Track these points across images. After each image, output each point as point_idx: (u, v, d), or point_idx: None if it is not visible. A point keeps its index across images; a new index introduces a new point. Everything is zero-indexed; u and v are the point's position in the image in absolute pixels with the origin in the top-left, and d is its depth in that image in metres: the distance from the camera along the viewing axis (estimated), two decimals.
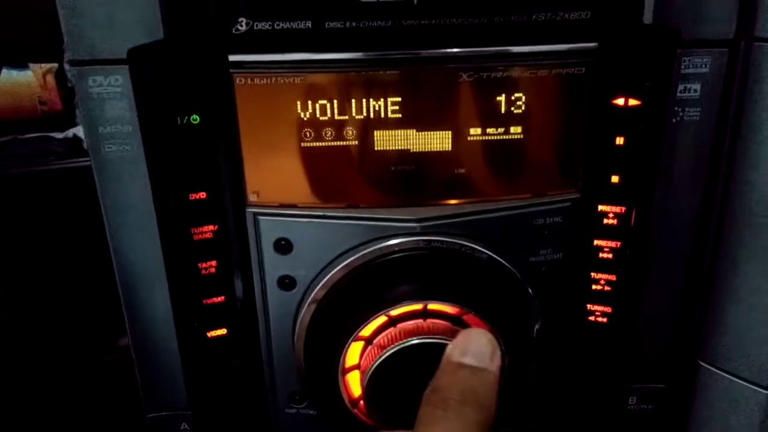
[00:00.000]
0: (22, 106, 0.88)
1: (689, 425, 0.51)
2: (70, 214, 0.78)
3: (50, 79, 0.99)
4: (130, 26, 0.33)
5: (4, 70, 0.90)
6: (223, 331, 0.40)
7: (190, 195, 0.37)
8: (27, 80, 0.89)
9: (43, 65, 0.99)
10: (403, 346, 0.33)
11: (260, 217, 0.36)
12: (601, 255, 0.41)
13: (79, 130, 1.00)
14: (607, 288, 0.42)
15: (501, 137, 0.36)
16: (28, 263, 0.78)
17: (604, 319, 0.43)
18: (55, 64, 1.01)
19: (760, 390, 0.46)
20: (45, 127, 0.90)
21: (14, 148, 0.91)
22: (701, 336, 0.47)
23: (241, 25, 0.33)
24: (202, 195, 0.37)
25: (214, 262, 0.39)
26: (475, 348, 0.29)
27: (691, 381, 0.49)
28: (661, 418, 0.48)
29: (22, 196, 0.81)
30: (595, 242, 0.41)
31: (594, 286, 0.42)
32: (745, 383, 0.47)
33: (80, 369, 0.85)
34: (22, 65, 0.87)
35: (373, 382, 0.34)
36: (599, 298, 0.42)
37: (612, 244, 0.41)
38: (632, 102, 0.38)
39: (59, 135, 0.97)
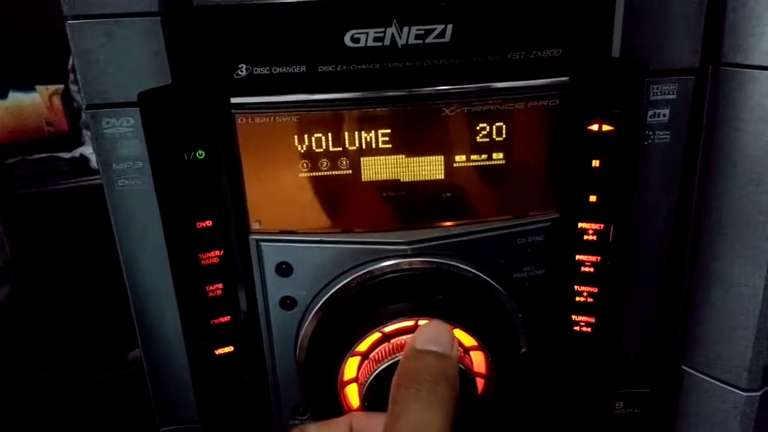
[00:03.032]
0: (29, 128, 0.90)
1: (676, 428, 0.53)
2: (79, 232, 0.80)
3: (56, 100, 1.01)
4: (140, 72, 0.36)
5: (11, 93, 0.93)
6: (230, 349, 0.43)
7: (197, 224, 0.40)
8: (34, 102, 0.91)
9: (49, 87, 1.01)
10: (396, 359, 0.36)
11: (262, 243, 0.39)
12: (583, 269, 0.44)
13: (86, 150, 1.03)
14: (590, 299, 0.45)
15: (483, 164, 0.39)
16: (39, 281, 0.81)
17: (589, 329, 0.45)
18: (61, 86, 1.03)
19: (739, 392, 0.49)
20: (52, 148, 0.94)
21: (23, 169, 0.94)
22: (684, 342, 0.50)
23: (242, 71, 0.36)
24: (209, 223, 0.40)
25: (220, 285, 0.42)
26: (438, 337, 0.32)
27: (675, 385, 0.51)
28: (648, 422, 0.51)
29: (32, 216, 0.83)
30: (577, 257, 0.44)
31: (578, 298, 0.45)
32: (724, 386, 0.50)
33: (92, 383, 0.88)
34: (28, 87, 0.90)
35: (369, 394, 0.37)
36: (583, 309, 0.45)
37: (593, 258, 0.44)
38: (606, 128, 0.40)
39: (67, 155, 1.01)
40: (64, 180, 0.91)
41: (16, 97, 0.89)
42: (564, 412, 0.48)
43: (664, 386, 0.50)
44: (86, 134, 1.07)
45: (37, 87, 0.92)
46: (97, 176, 0.77)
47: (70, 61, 0.86)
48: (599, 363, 0.46)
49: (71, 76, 1.03)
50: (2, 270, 0.76)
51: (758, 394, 0.48)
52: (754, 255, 0.45)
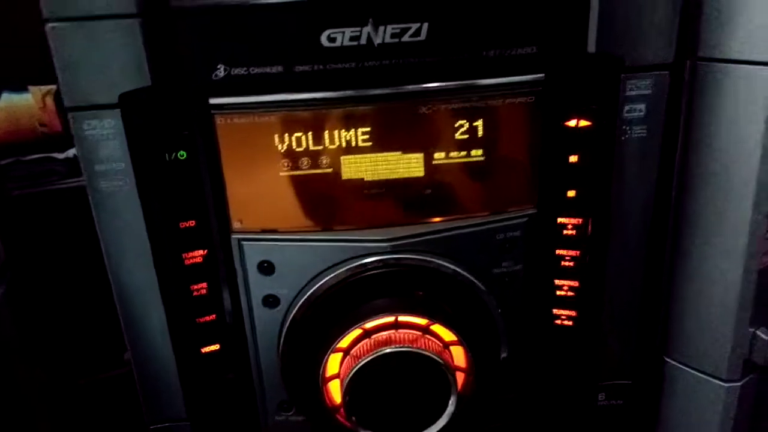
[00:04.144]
0: (22, 129, 0.89)
1: (659, 419, 0.54)
2: (74, 232, 0.81)
3: (49, 101, 0.98)
4: (121, 74, 0.37)
5: (4, 94, 0.93)
6: (215, 347, 0.44)
7: (180, 224, 0.40)
8: (27, 103, 0.90)
9: (42, 87, 0.99)
10: (376, 355, 0.37)
11: (244, 243, 0.40)
12: (563, 263, 0.45)
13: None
14: (570, 293, 0.45)
15: (462, 160, 0.40)
16: (33, 282, 0.81)
17: (570, 322, 0.46)
18: (54, 86, 1.01)
19: (720, 383, 0.50)
20: (46, 148, 0.92)
21: (17, 170, 0.94)
22: (666, 334, 0.51)
23: (220, 72, 0.36)
24: (192, 223, 0.41)
25: (204, 284, 0.42)
26: None
27: (658, 377, 0.52)
28: (629, 413, 0.52)
29: (27, 217, 0.84)
30: (557, 252, 0.44)
31: (558, 292, 0.46)
32: (706, 377, 0.50)
33: (89, 383, 0.89)
34: (21, 88, 0.89)
35: (350, 389, 0.37)
36: (564, 303, 0.46)
37: (572, 253, 0.44)
38: (583, 123, 0.41)
39: (60, 155, 0.98)
40: (58, 180, 0.91)
41: (9, 98, 0.89)
42: (546, 406, 0.48)
43: (646, 378, 0.51)
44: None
45: (30, 88, 0.91)
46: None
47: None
48: (581, 355, 0.47)
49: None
50: None
51: (739, 384, 0.49)
52: (729, 249, 0.46)
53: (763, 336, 0.48)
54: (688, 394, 0.52)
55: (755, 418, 0.53)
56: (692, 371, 0.51)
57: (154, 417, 0.46)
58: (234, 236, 0.40)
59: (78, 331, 0.86)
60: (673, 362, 0.52)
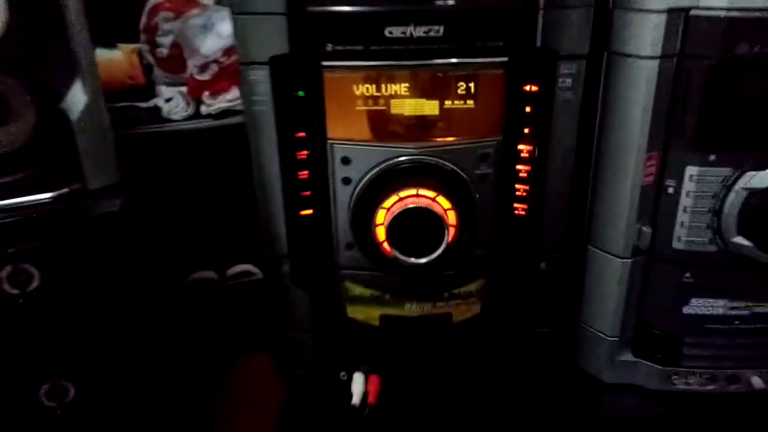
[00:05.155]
0: (113, 80, 1.00)
1: (583, 287, 0.82)
2: (154, 169, 0.95)
3: (135, 57, 1.14)
4: (270, 45, 0.65)
5: (98, 50, 0.93)
6: (310, 211, 0.72)
7: (296, 134, 0.70)
8: (117, 58, 1.02)
9: (129, 45, 1.13)
10: (404, 209, 0.66)
11: (334, 145, 0.68)
12: (520, 174, 0.72)
13: (159, 101, 1.17)
14: (524, 194, 0.73)
15: (460, 106, 0.67)
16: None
17: (524, 213, 0.74)
18: (138, 45, 1.16)
19: (618, 259, 0.74)
20: (133, 98, 1.07)
21: (110, 115, 1.07)
22: (589, 226, 0.77)
23: (329, 47, 0.65)
24: (303, 134, 0.70)
25: (307, 172, 0.70)
26: None
27: (583, 256, 0.79)
28: (561, 277, 0.79)
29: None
30: (516, 167, 0.73)
31: (516, 193, 0.73)
32: (610, 256, 0.74)
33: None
34: (111, 45, 1.01)
35: (389, 230, 0.66)
36: (519, 200, 0.73)
37: (526, 167, 0.72)
38: (533, 88, 0.69)
39: (143, 105, 1.17)
40: (141, 126, 1.06)
41: (101, 53, 0.96)
42: (506, 269, 0.77)
43: (573, 254, 0.79)
44: (159, 89, 1.21)
45: (120, 45, 1.04)
46: (166, 124, 1.01)
47: (141, 23, 1.01)
48: (530, 234, 0.75)
49: (142, 37, 1.16)
50: (115, 186, 0.84)
51: (630, 260, 0.74)
52: (625, 172, 0.73)
53: (645, 229, 0.75)
54: (599, 268, 0.77)
55: (643, 293, 0.79)
56: (602, 252, 0.75)
57: (268, 251, 0.75)
58: (329, 142, 0.68)
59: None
60: (591, 246, 0.79)
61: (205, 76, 1.19)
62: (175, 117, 1.23)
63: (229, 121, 1.22)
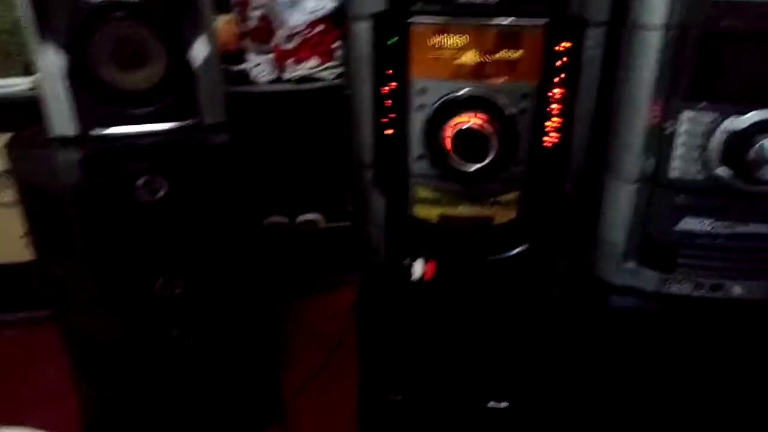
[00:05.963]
0: None
1: (600, 209, 1.04)
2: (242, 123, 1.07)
3: (229, 27, 1.38)
4: (372, 3, 0.91)
5: None
6: (392, 131, 0.97)
7: (387, 71, 0.95)
8: (217, 26, 1.10)
9: (224, 16, 1.38)
10: (464, 126, 0.89)
11: (414, 80, 0.92)
12: (552, 112, 0.96)
13: (248, 65, 1.42)
14: (554, 128, 0.96)
15: (512, 56, 0.92)
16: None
17: (554, 141, 0.97)
18: (232, 16, 1.41)
19: (626, 184, 0.95)
20: (225, 61, 1.20)
21: None
22: (606, 159, 0.99)
23: (416, 6, 0.90)
24: (390, 72, 0.94)
25: (390, 100, 0.94)
26: None
27: (600, 183, 1.02)
28: (578, 201, 1.01)
29: None
30: (549, 106, 0.96)
31: (547, 128, 0.97)
32: (621, 182, 0.94)
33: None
34: None
35: (453, 141, 0.91)
36: (551, 130, 0.96)
37: (556, 107, 0.95)
38: (565, 45, 0.92)
39: (234, 68, 1.42)
40: (231, 86, 1.20)
41: None
42: (539, 182, 0.99)
43: (593, 179, 1.01)
44: (248, 55, 1.43)
45: (217, 16, 1.18)
46: (252, 86, 1.34)
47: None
48: (558, 159, 0.98)
49: (234, 9, 1.39)
50: (224, 123, 1.01)
51: (637, 185, 0.94)
52: (634, 113, 0.95)
53: (650, 161, 0.96)
54: (613, 191, 0.98)
55: (647, 212, 1.00)
56: (615, 180, 0.99)
57: (358, 163, 1.01)
58: (411, 78, 0.93)
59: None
60: (608, 174, 0.99)
61: (290, 46, 1.45)
62: (261, 80, 1.45)
63: (308, 87, 1.47)
